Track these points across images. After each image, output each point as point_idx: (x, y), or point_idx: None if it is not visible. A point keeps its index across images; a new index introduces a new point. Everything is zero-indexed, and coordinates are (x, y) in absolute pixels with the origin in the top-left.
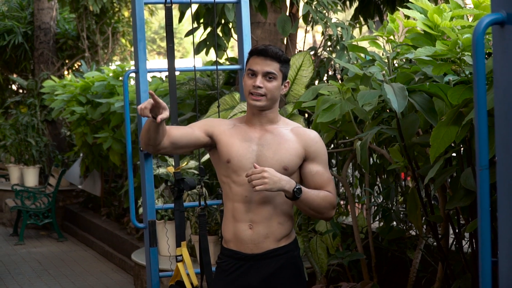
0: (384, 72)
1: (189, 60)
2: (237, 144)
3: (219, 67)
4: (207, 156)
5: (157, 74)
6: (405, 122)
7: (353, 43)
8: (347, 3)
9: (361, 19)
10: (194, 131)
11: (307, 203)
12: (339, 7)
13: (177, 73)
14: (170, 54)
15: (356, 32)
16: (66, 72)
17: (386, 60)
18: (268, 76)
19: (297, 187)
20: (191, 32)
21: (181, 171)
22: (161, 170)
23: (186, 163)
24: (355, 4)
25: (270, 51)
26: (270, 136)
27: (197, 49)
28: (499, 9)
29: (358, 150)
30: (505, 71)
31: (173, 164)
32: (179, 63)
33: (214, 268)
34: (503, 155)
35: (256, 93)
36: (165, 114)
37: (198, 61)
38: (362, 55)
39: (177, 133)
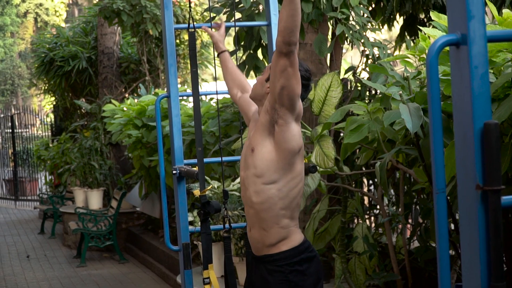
0: (401, 92)
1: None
2: None
3: None
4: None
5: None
6: (426, 142)
7: (383, 63)
8: (391, 21)
9: (407, 37)
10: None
11: None
12: (375, 26)
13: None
14: (194, 78)
15: (404, 50)
16: (128, 96)
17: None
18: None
19: None
20: (230, 54)
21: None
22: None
23: (210, 187)
24: (400, 22)
25: None
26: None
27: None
28: (454, 30)
29: (377, 171)
30: (461, 92)
31: (221, 185)
32: None
33: None
34: (463, 177)
35: None
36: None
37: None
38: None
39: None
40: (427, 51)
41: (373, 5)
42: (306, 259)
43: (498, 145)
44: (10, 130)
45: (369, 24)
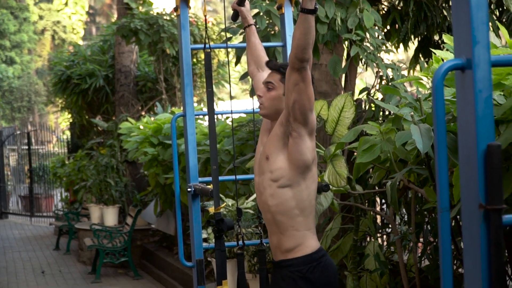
0: (412, 113)
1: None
2: None
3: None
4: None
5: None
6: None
7: (397, 84)
8: (406, 43)
9: (422, 58)
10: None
11: None
12: (389, 48)
13: (237, 116)
14: (209, 98)
15: (418, 71)
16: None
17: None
18: (268, 86)
19: None
20: (244, 76)
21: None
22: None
23: (224, 204)
24: (416, 44)
25: (272, 64)
26: None
27: (252, 92)
28: (460, 54)
29: (388, 191)
30: (466, 114)
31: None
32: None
33: None
34: (467, 196)
35: (258, 102)
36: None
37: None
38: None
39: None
40: (433, 78)
41: (388, 27)
42: (319, 268)
43: (500, 165)
44: (27, 147)
45: (384, 45)
